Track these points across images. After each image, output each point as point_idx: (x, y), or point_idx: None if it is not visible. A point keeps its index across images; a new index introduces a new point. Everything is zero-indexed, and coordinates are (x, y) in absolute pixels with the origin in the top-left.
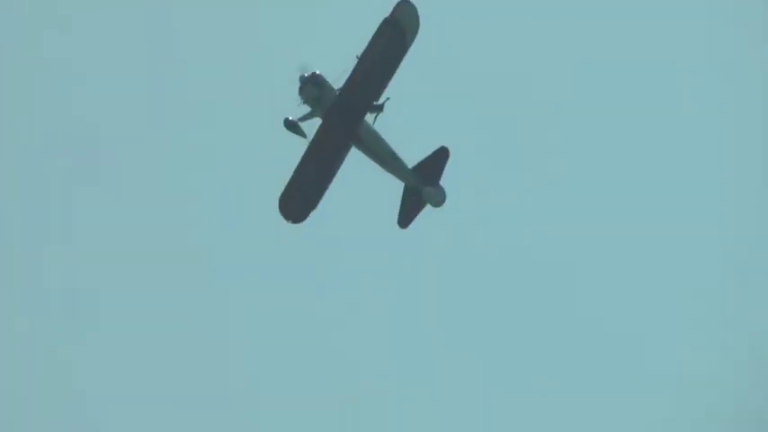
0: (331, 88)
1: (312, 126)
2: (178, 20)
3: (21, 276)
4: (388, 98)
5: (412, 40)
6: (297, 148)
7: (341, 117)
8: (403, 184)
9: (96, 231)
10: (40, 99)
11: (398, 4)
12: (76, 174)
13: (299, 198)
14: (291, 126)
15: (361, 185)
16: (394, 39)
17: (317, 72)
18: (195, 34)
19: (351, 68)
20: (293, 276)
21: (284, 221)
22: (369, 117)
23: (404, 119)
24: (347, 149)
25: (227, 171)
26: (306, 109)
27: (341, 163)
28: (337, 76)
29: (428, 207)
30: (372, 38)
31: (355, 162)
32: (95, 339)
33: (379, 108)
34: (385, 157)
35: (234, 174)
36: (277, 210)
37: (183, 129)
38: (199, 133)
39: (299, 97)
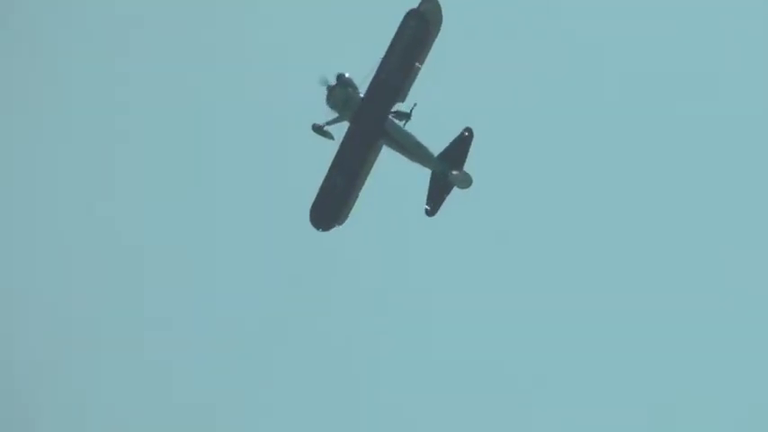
0: (356, 90)
1: (339, 129)
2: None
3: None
4: (415, 104)
5: (436, 33)
6: (324, 152)
7: (368, 116)
8: (430, 172)
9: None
10: None
11: (423, 1)
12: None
13: (330, 207)
14: (319, 130)
15: (387, 178)
16: (419, 31)
17: (347, 75)
18: (215, 39)
19: (375, 69)
20: (330, 274)
21: (315, 230)
22: (398, 123)
23: (428, 111)
24: (376, 148)
25: (257, 177)
26: (333, 114)
27: (371, 165)
28: (361, 79)
29: (455, 195)
30: (398, 29)
31: (381, 155)
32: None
33: (407, 116)
34: (411, 148)
35: (263, 181)
36: (307, 218)
37: (212, 137)
38: (226, 140)
39: (326, 104)
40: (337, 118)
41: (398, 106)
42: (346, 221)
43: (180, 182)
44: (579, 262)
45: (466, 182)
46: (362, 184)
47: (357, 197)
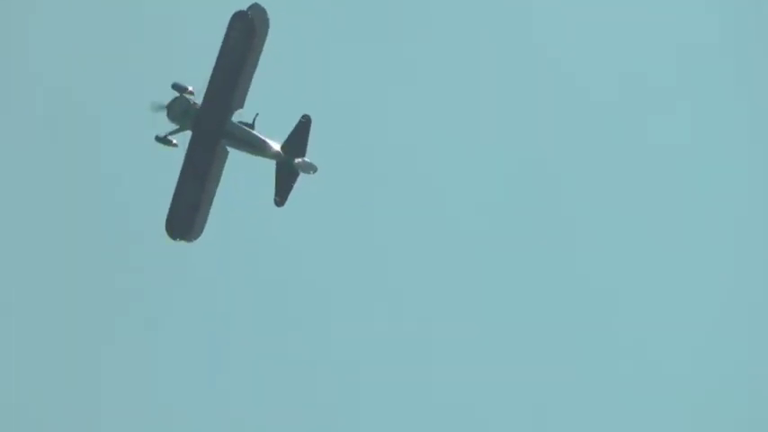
0: (193, 98)
1: (183, 138)
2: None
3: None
4: (257, 114)
5: (264, 36)
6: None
7: (208, 121)
8: (275, 164)
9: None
10: None
11: (250, 6)
12: None
13: (185, 215)
14: (162, 140)
15: (232, 177)
16: (245, 33)
17: (190, 88)
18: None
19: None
20: (193, 281)
21: (173, 240)
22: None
23: (265, 107)
24: (221, 150)
25: (103, 192)
26: (174, 126)
27: (220, 169)
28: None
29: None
30: (226, 32)
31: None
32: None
33: (250, 126)
34: (253, 143)
35: (112, 196)
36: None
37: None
38: (61, 153)
39: (167, 118)
40: (178, 129)
41: (240, 115)
42: (203, 231)
43: (29, 200)
44: (432, 241)
45: (311, 168)
46: (214, 189)
47: (211, 203)
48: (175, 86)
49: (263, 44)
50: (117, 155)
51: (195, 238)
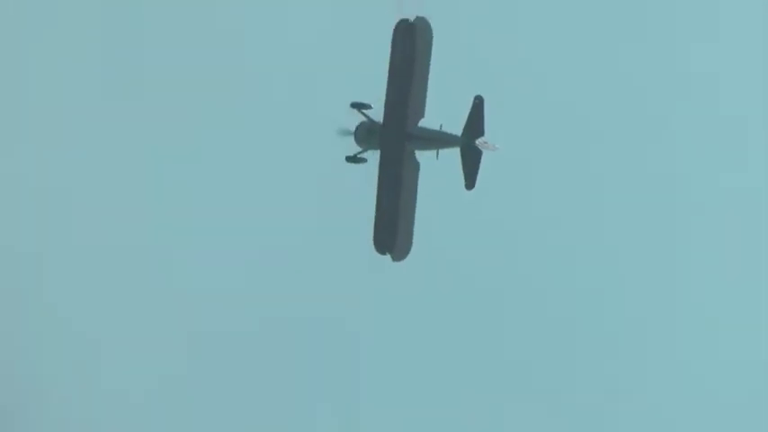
0: (374, 118)
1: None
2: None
3: None
4: (441, 125)
5: (428, 46)
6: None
7: (393, 133)
8: (458, 150)
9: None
10: None
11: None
12: None
13: (388, 229)
14: (352, 159)
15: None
16: (409, 41)
17: (371, 106)
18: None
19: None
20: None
21: (383, 256)
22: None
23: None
24: (410, 156)
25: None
26: (361, 147)
27: (414, 177)
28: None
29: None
30: (392, 43)
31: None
32: None
33: None
34: (437, 137)
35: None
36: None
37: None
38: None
39: (354, 143)
40: (365, 148)
41: (424, 124)
42: (410, 248)
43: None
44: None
45: (491, 143)
46: (412, 202)
47: (412, 217)
48: (354, 105)
49: (429, 50)
50: (313, 178)
51: (403, 255)
